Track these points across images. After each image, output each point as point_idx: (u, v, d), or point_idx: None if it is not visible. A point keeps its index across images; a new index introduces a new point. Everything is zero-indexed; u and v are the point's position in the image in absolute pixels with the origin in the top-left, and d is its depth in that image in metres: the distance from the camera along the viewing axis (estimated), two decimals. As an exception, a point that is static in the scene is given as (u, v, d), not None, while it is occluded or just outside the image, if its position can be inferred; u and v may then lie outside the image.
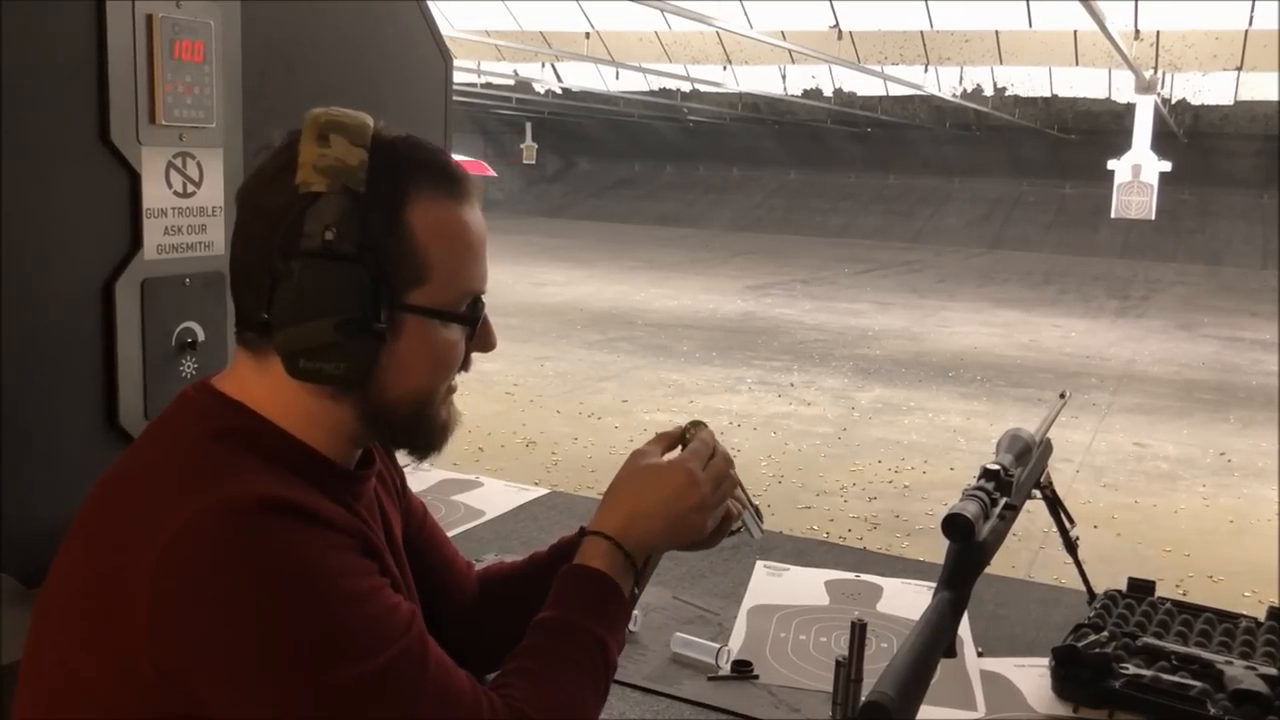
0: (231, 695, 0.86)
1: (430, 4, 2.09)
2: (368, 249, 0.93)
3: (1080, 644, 1.52)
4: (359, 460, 1.07)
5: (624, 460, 1.16)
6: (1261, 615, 1.71)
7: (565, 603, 1.07)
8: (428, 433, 1.05)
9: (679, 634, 1.62)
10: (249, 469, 0.92)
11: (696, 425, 1.20)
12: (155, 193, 1.59)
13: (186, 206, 1.64)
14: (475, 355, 1.07)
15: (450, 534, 1.96)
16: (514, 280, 16.43)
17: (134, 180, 1.56)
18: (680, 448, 1.17)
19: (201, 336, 1.64)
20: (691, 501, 1.11)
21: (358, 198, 0.94)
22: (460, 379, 1.09)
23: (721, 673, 1.54)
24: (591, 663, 1.04)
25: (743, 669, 1.55)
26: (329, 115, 0.97)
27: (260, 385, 0.99)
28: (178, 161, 1.62)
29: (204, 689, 0.86)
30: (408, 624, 0.93)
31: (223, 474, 0.91)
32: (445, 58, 2.14)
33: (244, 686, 0.86)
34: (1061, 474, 7.28)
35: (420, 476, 2.33)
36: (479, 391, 9.12)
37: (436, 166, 0.99)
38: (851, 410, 9.44)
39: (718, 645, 1.57)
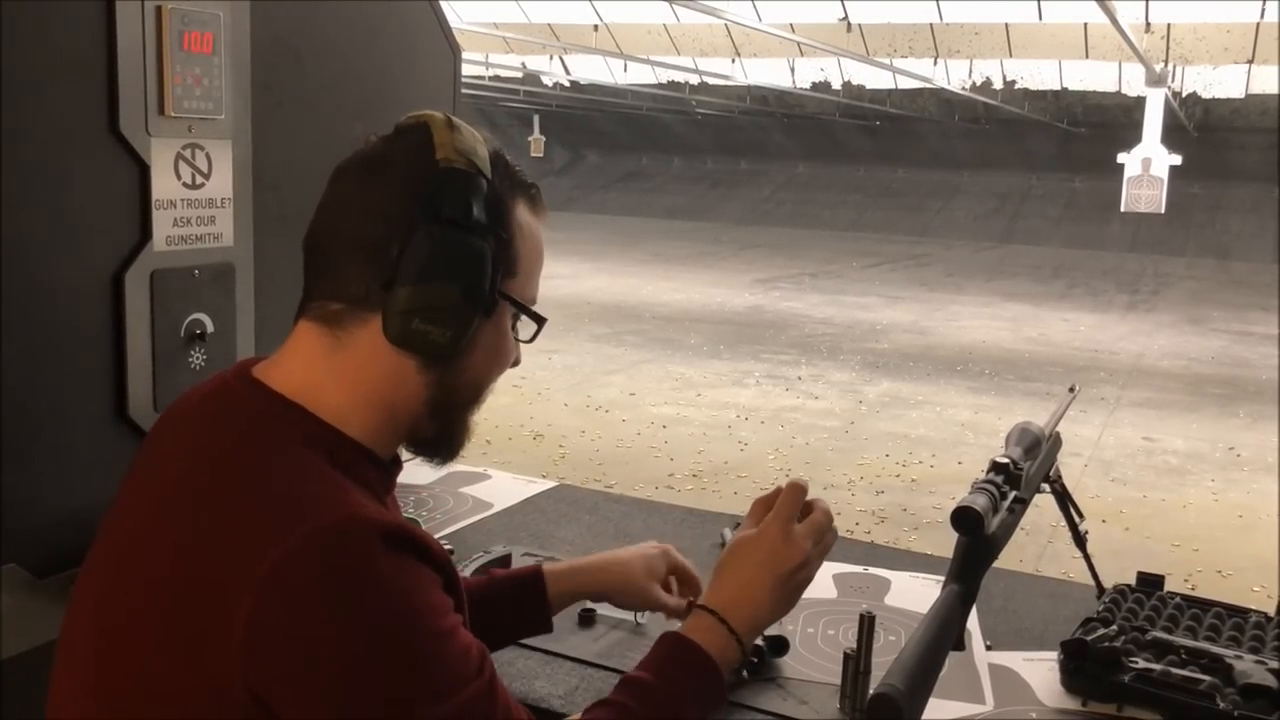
0: None
1: (439, -4, 2.09)
2: (492, 228, 1.01)
3: (1089, 638, 1.52)
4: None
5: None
6: (1271, 610, 1.70)
7: (660, 670, 1.07)
8: (459, 431, 1.09)
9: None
10: (344, 486, 0.94)
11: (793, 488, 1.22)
12: (164, 184, 1.59)
13: (196, 198, 1.64)
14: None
15: (458, 526, 1.97)
16: (522, 273, 16.39)
17: (143, 172, 1.56)
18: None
19: (211, 328, 1.65)
20: (794, 561, 1.14)
21: (491, 185, 1.02)
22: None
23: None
24: None
25: (776, 647, 1.53)
26: (431, 113, 1.05)
27: (324, 367, 1.01)
28: (187, 153, 1.62)
29: (288, 711, 0.87)
30: (480, 664, 0.94)
31: (325, 493, 0.92)
32: (454, 50, 2.13)
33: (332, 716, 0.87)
34: (1070, 468, 7.27)
35: (428, 469, 2.32)
36: (487, 384, 9.10)
37: (527, 179, 1.09)
38: (859, 404, 9.43)
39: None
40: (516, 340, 1.09)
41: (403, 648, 0.88)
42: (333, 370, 1.01)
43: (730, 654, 1.11)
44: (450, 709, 0.89)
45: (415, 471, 2.29)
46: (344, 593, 0.87)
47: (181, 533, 0.93)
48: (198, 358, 1.63)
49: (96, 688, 0.94)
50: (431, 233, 0.98)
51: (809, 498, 1.22)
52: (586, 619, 1.56)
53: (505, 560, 1.73)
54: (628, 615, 1.55)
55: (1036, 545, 5.51)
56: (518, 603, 1.33)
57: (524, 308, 1.08)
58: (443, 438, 1.08)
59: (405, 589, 0.90)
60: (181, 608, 0.89)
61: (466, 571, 1.67)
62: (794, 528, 1.16)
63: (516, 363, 1.12)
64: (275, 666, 0.86)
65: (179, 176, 1.61)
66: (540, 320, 1.09)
